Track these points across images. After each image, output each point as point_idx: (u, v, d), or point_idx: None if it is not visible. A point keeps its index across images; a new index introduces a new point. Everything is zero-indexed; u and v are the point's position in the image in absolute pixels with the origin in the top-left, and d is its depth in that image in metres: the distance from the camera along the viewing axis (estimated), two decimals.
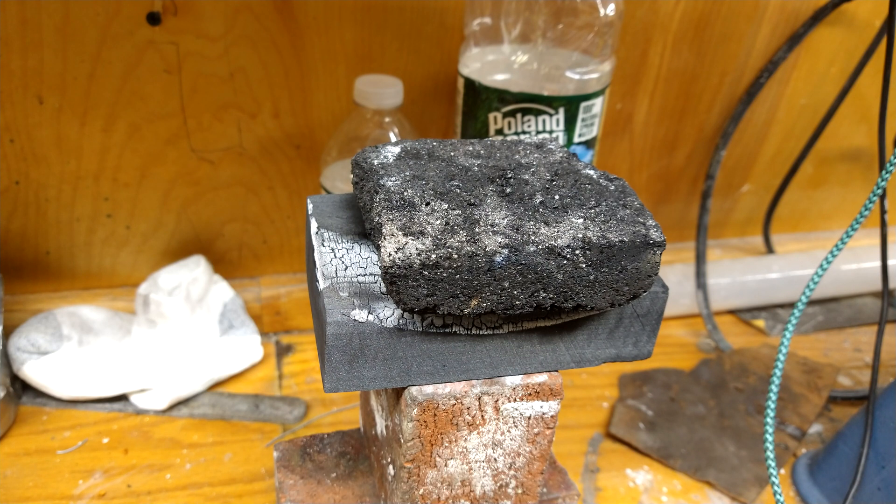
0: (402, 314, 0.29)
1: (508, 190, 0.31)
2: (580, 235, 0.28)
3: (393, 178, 0.30)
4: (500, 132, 0.52)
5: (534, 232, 0.28)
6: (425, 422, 0.31)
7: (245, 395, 0.55)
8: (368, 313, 0.29)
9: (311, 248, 0.32)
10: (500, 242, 0.28)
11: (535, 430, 0.34)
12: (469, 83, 0.52)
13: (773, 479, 0.40)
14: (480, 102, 0.52)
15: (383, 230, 0.28)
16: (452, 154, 0.33)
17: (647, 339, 0.33)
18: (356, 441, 0.43)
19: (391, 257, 0.27)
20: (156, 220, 0.62)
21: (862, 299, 0.74)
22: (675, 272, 0.69)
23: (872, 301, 0.73)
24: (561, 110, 0.51)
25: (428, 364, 0.30)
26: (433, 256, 0.27)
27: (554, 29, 0.50)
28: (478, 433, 0.33)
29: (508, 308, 0.29)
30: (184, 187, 0.61)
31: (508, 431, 0.33)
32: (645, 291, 0.30)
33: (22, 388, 0.53)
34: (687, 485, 0.51)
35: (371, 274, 0.30)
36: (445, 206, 0.29)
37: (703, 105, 0.69)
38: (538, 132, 0.52)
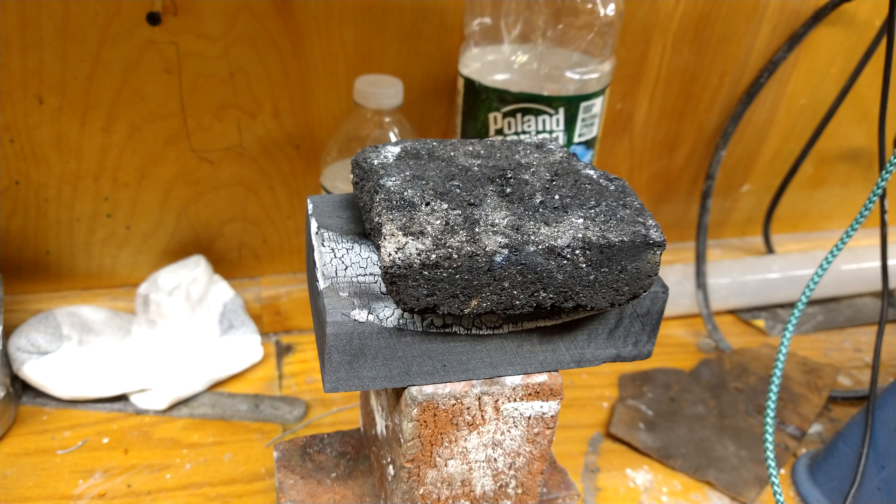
0: (402, 314, 0.29)
1: (508, 190, 0.31)
2: (580, 235, 0.28)
3: (393, 178, 0.30)
4: (500, 132, 0.52)
5: (534, 232, 0.28)
6: (425, 422, 0.31)
7: (245, 395, 0.55)
8: (368, 313, 0.29)
9: (311, 248, 0.32)
10: (500, 242, 0.28)
11: (535, 430, 0.34)
12: (469, 83, 0.52)
13: (773, 479, 0.40)
14: (480, 102, 0.52)
15: (383, 230, 0.28)
16: (452, 154, 0.33)
17: (647, 339, 0.33)
18: (356, 441, 0.43)
19: (391, 257, 0.27)
20: (156, 220, 0.62)
21: (862, 299, 0.74)
22: (675, 272, 0.69)
23: (872, 301, 0.73)
24: (561, 110, 0.51)
25: (428, 364, 0.30)
26: (433, 256, 0.27)
27: (554, 29, 0.50)
28: (478, 433, 0.33)
29: (508, 308, 0.29)
30: (184, 187, 0.61)
31: (508, 431, 0.33)
32: (645, 291, 0.30)
33: (22, 388, 0.53)
34: (687, 485, 0.51)
35: (371, 274, 0.30)
36: (445, 206, 0.29)
37: (703, 105, 0.69)
38: (538, 132, 0.52)
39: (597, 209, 0.30)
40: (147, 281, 0.58)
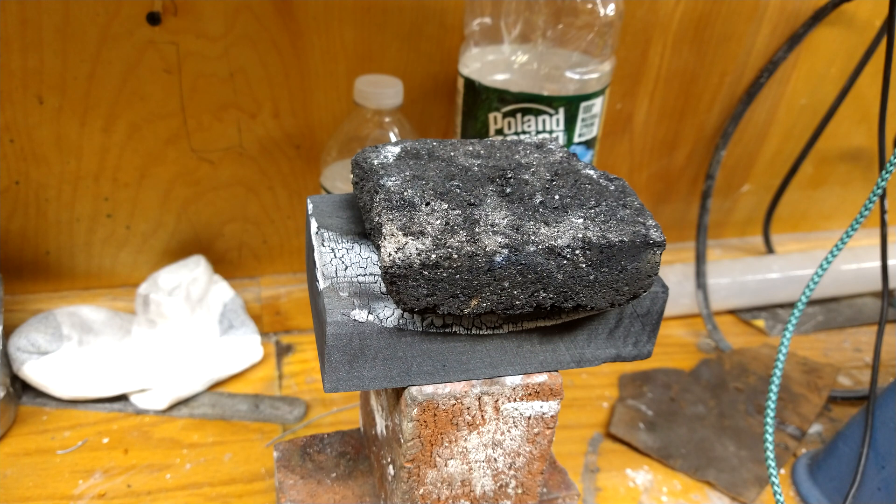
0: (402, 314, 0.29)
1: (508, 190, 0.31)
2: (580, 235, 0.28)
3: (393, 178, 0.30)
4: (500, 132, 0.52)
5: (534, 232, 0.28)
6: (425, 422, 0.31)
7: (245, 395, 0.55)
8: (368, 313, 0.29)
9: (311, 248, 0.32)
10: (500, 242, 0.28)
11: (535, 430, 0.34)
12: (469, 83, 0.52)
13: (773, 479, 0.40)
14: (480, 102, 0.52)
15: (383, 230, 0.28)
16: (452, 154, 0.33)
17: (647, 339, 0.33)
18: (356, 441, 0.43)
19: (391, 257, 0.27)
20: (156, 220, 0.62)
21: (862, 299, 0.74)
22: (675, 272, 0.69)
23: (872, 301, 0.73)
24: (561, 110, 0.51)
25: (428, 364, 0.30)
26: (433, 256, 0.27)
27: (554, 29, 0.50)
28: (478, 433, 0.33)
29: (508, 308, 0.29)
30: (184, 187, 0.61)
31: (508, 431, 0.33)
32: (645, 291, 0.30)
33: (22, 388, 0.53)
34: (687, 485, 0.51)
35: (371, 274, 0.30)
36: (445, 206, 0.29)
37: (703, 105, 0.69)
38: (538, 132, 0.52)
39: (597, 209, 0.30)
40: (147, 281, 0.58)
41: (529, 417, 0.33)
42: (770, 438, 0.40)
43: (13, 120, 0.54)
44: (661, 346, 0.64)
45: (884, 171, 0.37)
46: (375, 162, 0.32)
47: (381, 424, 0.37)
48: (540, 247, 0.28)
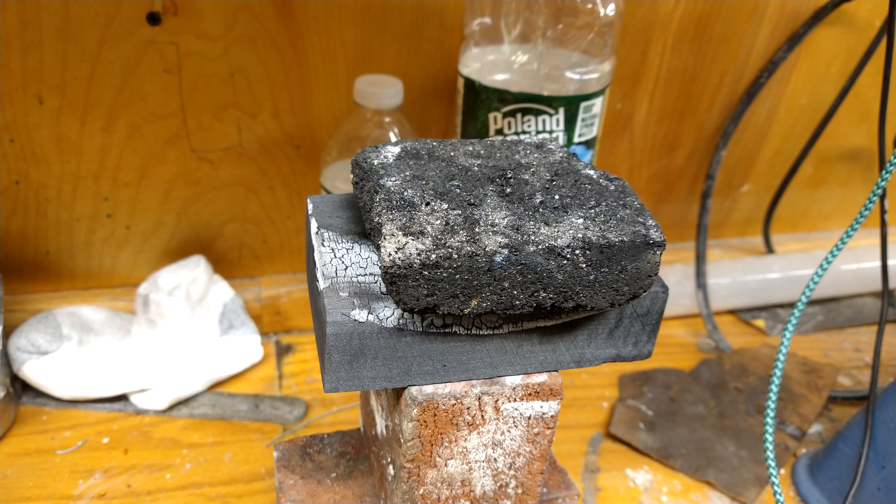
0: (402, 314, 0.29)
1: (508, 190, 0.31)
2: (580, 235, 0.28)
3: (393, 178, 0.30)
4: (500, 132, 0.52)
5: (534, 232, 0.28)
6: (425, 422, 0.31)
7: (245, 395, 0.55)
8: (368, 313, 0.29)
9: (311, 248, 0.32)
10: (500, 242, 0.28)
11: (535, 430, 0.34)
12: (469, 83, 0.52)
13: (773, 479, 0.40)
14: (480, 102, 0.52)
15: (383, 230, 0.28)
16: (452, 154, 0.33)
17: (647, 339, 0.33)
18: (356, 441, 0.43)
19: (391, 257, 0.27)
20: (156, 220, 0.62)
21: (862, 299, 0.74)
22: (675, 272, 0.69)
23: (872, 301, 0.73)
24: (561, 110, 0.51)
25: (428, 364, 0.30)
26: (433, 256, 0.27)
27: (554, 29, 0.50)
28: (478, 433, 0.33)
29: (508, 308, 0.29)
30: (184, 187, 0.61)
31: (508, 431, 0.33)
32: (645, 291, 0.30)
33: (22, 388, 0.53)
34: (687, 485, 0.51)
35: (371, 274, 0.30)
36: (445, 206, 0.29)
37: (703, 105, 0.69)
38: (538, 132, 0.52)
39: (597, 209, 0.30)
40: (147, 281, 0.58)
41: (529, 417, 0.33)
42: (770, 438, 0.40)
43: (13, 120, 0.54)
44: (661, 346, 0.64)
45: (884, 171, 0.37)
46: (375, 162, 0.32)
47: (381, 424, 0.37)
48: (540, 247, 0.28)
